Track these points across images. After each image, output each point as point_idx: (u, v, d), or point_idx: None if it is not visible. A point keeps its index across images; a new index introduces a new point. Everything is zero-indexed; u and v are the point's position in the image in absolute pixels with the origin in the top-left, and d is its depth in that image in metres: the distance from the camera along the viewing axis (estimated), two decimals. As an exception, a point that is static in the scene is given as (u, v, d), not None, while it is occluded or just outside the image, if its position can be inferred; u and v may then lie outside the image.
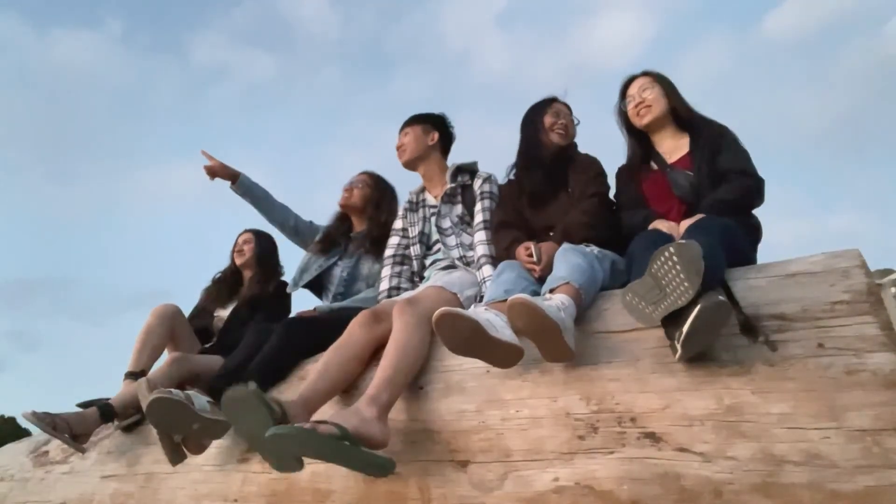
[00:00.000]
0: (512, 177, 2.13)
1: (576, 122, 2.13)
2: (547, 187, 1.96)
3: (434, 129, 2.26)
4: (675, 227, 1.53)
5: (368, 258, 2.38)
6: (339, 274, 2.38)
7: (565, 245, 1.62)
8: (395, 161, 2.27)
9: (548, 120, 2.06)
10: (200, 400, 1.62)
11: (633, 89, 1.93)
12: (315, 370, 1.55)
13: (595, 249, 1.66)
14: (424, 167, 2.24)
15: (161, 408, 1.54)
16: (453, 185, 2.15)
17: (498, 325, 1.28)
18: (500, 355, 1.31)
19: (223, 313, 2.63)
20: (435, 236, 2.15)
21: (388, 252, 2.20)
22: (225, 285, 2.73)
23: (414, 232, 2.19)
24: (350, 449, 1.24)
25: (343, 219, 2.54)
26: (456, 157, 2.32)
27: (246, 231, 2.83)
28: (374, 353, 1.59)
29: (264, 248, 2.76)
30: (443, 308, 1.25)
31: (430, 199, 2.23)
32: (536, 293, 1.47)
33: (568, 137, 2.07)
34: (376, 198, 2.46)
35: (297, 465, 1.35)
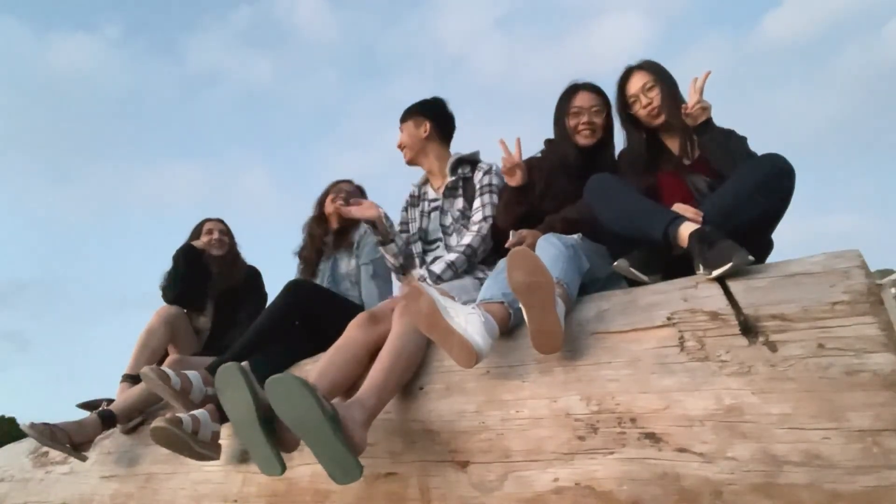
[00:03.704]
0: (539, 154, 2.08)
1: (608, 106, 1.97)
2: (572, 193, 1.86)
3: (425, 118, 2.17)
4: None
5: (343, 255, 2.41)
6: (321, 280, 2.41)
7: (542, 237, 1.60)
8: (393, 159, 2.24)
9: (570, 122, 1.97)
10: (207, 430, 1.64)
11: (635, 87, 1.86)
12: (314, 372, 1.55)
13: (577, 237, 1.66)
14: (425, 161, 2.20)
15: (164, 435, 1.57)
16: (454, 178, 2.11)
17: (461, 315, 1.26)
18: (454, 346, 1.25)
19: (203, 320, 2.63)
20: (434, 234, 2.14)
21: None
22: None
23: (413, 228, 2.18)
24: (331, 433, 1.21)
25: (316, 226, 2.53)
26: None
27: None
28: (373, 354, 1.59)
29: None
30: (414, 283, 1.27)
31: (431, 192, 2.20)
32: None
33: (596, 134, 1.96)
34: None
35: (279, 465, 1.34)
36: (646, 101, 1.83)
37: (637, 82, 1.86)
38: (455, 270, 1.89)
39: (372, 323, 1.65)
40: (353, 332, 1.63)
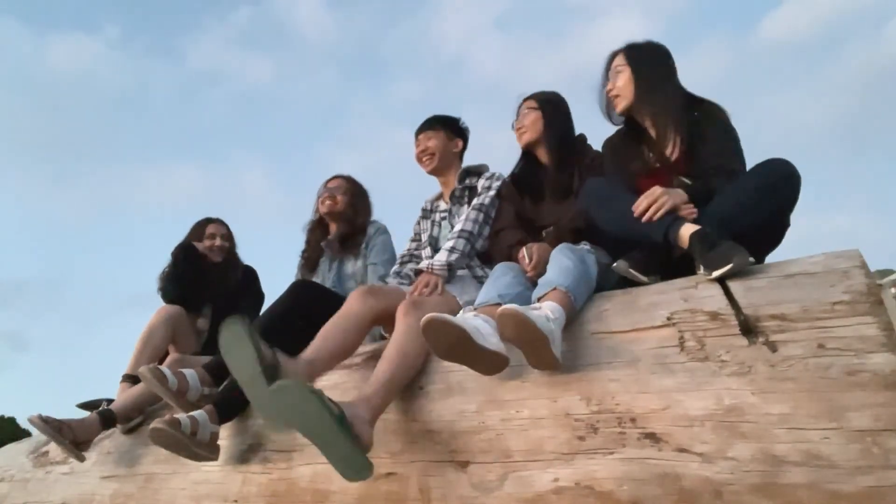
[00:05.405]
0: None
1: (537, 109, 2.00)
2: (540, 190, 1.97)
3: (457, 136, 2.24)
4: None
5: (349, 257, 2.42)
6: (329, 275, 2.41)
7: (558, 247, 1.61)
8: (391, 160, 2.28)
9: (517, 133, 2.04)
10: (205, 432, 1.64)
11: (609, 69, 1.78)
12: (318, 336, 1.57)
13: (587, 246, 1.66)
14: (446, 174, 2.24)
15: (163, 437, 1.57)
16: (460, 186, 2.16)
17: (486, 332, 1.27)
18: (485, 363, 1.30)
19: (202, 321, 2.64)
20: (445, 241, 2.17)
21: (401, 252, 2.29)
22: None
23: (425, 237, 2.23)
24: (340, 434, 1.22)
25: (316, 229, 2.55)
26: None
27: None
28: (372, 323, 1.67)
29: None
30: (430, 314, 1.25)
31: (443, 204, 2.25)
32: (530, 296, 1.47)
33: (528, 134, 2.00)
34: (356, 201, 2.50)
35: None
36: (609, 84, 1.77)
37: (611, 65, 1.79)
38: (460, 252, 1.90)
39: (371, 296, 1.68)
40: (353, 303, 1.66)
